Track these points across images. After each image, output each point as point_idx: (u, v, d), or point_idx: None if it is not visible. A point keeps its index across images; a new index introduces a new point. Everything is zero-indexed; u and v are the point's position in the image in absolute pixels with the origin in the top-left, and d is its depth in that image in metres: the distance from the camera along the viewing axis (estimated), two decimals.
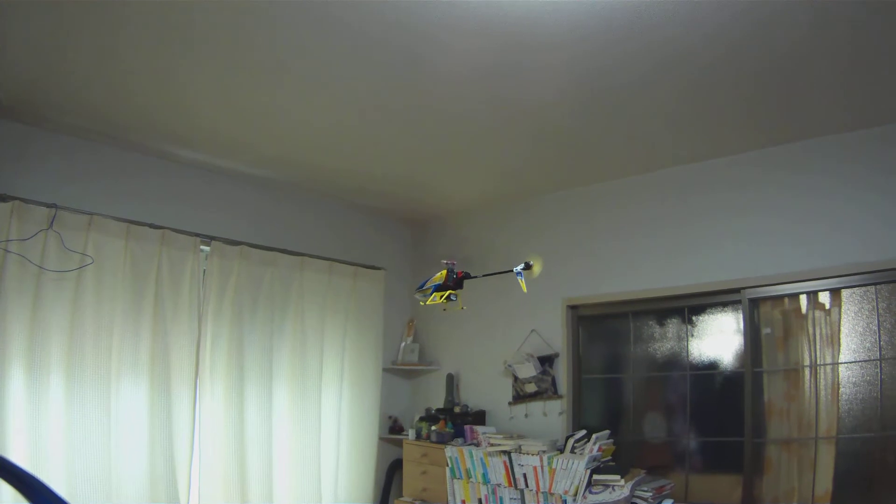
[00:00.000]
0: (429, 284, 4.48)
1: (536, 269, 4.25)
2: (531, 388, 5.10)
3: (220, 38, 3.01)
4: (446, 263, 4.54)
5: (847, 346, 3.85)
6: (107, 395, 4.02)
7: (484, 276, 4.87)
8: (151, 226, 4.35)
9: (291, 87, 3.51)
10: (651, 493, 3.98)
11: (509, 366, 5.20)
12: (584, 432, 4.49)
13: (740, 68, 3.20)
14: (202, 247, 4.65)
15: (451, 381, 5.68)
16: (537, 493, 4.34)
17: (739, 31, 2.87)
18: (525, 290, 4.30)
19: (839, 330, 3.89)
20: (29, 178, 3.97)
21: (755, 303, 4.21)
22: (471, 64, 3.21)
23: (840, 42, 2.95)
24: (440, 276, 4.44)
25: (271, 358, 4.95)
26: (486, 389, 5.50)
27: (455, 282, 4.44)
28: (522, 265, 4.28)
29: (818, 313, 4.01)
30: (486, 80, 3.37)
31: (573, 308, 5.12)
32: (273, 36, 2.97)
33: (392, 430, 5.87)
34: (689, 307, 4.54)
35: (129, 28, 2.92)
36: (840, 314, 3.90)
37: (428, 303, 4.50)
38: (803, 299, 4.08)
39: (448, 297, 4.36)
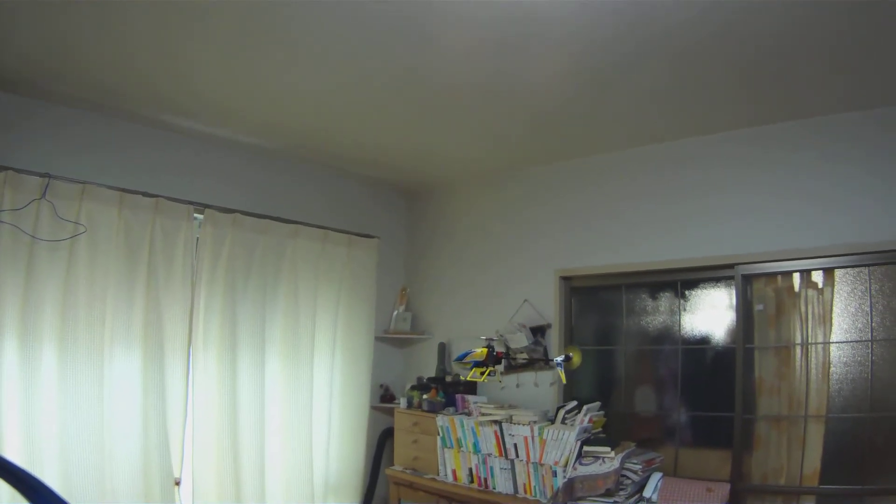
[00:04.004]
0: (468, 359, 4.63)
1: (576, 360, 4.33)
2: (523, 358, 5.12)
3: (218, 5, 2.94)
4: (486, 340, 4.70)
5: (839, 325, 3.88)
6: (100, 364, 4.00)
7: (520, 365, 5.08)
8: (145, 194, 4.30)
9: (288, 54, 3.43)
10: (641, 466, 4.04)
11: (501, 335, 5.22)
12: (574, 403, 4.54)
13: (737, 45, 3.15)
14: (195, 215, 4.61)
15: (443, 350, 5.70)
16: (527, 463, 4.39)
17: (736, 6, 2.81)
18: (564, 380, 4.36)
19: (831, 309, 3.92)
20: (21, 147, 3.90)
21: (748, 279, 4.23)
22: (470, 34, 3.14)
23: (838, 22, 2.90)
24: (481, 352, 4.56)
25: (264, 326, 4.93)
26: None
27: (494, 360, 4.61)
28: (563, 357, 4.32)
29: (811, 292, 4.03)
30: (484, 51, 3.31)
31: (566, 279, 5.13)
32: (271, 2, 2.90)
33: (384, 398, 5.90)
34: (682, 281, 4.55)
35: None
36: (833, 294, 3.92)
37: (469, 378, 4.79)
38: (796, 277, 4.10)
39: (488, 374, 4.54)
